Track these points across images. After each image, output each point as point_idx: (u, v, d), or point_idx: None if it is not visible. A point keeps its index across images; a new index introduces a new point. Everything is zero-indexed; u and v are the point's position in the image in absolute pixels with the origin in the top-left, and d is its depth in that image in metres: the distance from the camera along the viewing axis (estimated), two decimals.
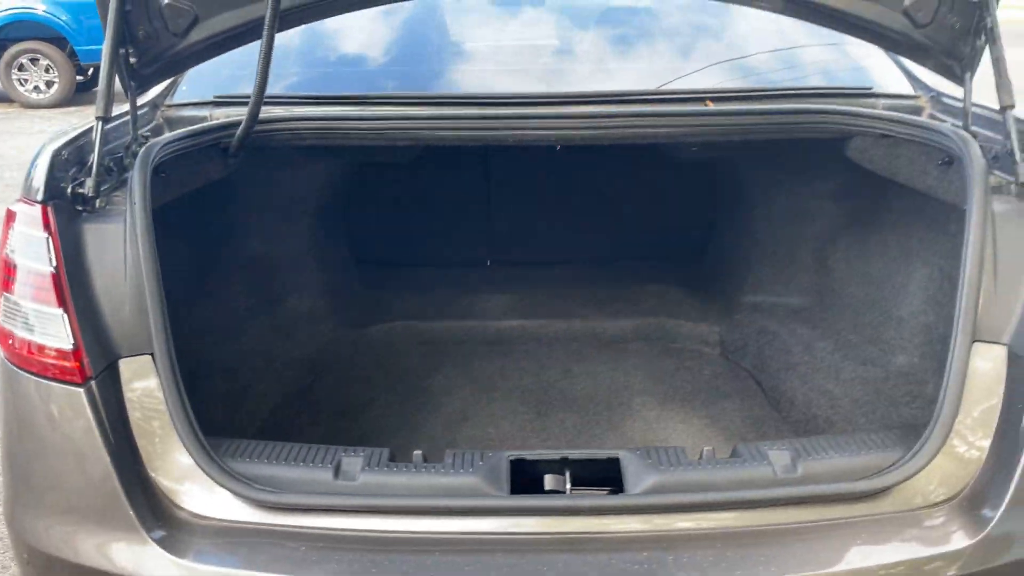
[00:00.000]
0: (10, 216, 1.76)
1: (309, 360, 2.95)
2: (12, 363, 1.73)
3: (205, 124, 2.16)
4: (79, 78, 11.09)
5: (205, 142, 2.08)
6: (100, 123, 1.80)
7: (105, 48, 1.84)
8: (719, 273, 3.39)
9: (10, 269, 1.74)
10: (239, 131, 2.10)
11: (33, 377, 1.69)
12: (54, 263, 1.67)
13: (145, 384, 1.70)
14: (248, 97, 2.03)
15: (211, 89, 2.50)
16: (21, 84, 10.86)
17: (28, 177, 1.73)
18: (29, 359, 1.70)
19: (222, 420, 2.32)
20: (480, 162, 3.48)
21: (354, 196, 3.45)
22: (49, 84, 10.87)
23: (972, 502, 1.67)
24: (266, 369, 2.68)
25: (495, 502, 1.65)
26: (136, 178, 1.74)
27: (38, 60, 10.76)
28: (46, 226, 1.68)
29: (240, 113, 2.12)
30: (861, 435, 1.81)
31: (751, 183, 3.15)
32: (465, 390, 2.89)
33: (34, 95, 10.87)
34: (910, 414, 2.22)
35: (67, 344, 1.66)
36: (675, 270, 3.60)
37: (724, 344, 3.18)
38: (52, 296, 1.67)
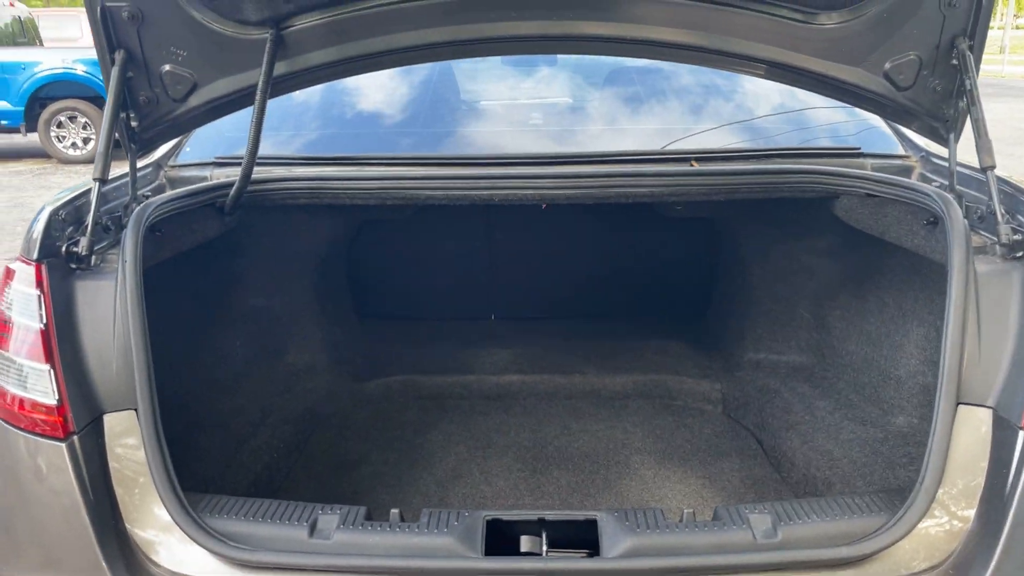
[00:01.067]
0: (8, 274, 1.82)
1: (306, 414, 2.95)
2: (2, 419, 1.77)
3: (201, 184, 2.23)
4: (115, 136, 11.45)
5: (201, 201, 2.15)
6: (97, 184, 1.87)
7: (106, 112, 1.93)
8: (720, 330, 3.37)
9: (6, 326, 1.79)
10: (232, 191, 2.17)
11: (21, 433, 1.72)
12: (44, 320, 1.72)
13: (128, 439, 1.72)
14: None
15: (214, 150, 2.59)
16: (59, 140, 11.29)
17: (26, 236, 1.79)
18: (19, 415, 1.74)
19: (215, 474, 2.33)
20: (482, 218, 3.53)
21: (356, 250, 3.50)
22: (86, 141, 11.27)
23: (956, 570, 1.62)
24: (262, 423, 2.69)
25: (468, 563, 1.64)
26: (128, 236, 1.80)
27: (76, 118, 11.19)
28: (39, 284, 1.73)
29: (238, 174, 2.19)
30: (845, 498, 1.77)
31: (748, 240, 3.15)
32: (461, 447, 2.88)
33: (71, 151, 11.27)
34: (907, 477, 2.17)
35: (52, 399, 1.69)
36: (676, 326, 3.58)
37: (726, 402, 3.14)
38: (40, 352, 1.71)
